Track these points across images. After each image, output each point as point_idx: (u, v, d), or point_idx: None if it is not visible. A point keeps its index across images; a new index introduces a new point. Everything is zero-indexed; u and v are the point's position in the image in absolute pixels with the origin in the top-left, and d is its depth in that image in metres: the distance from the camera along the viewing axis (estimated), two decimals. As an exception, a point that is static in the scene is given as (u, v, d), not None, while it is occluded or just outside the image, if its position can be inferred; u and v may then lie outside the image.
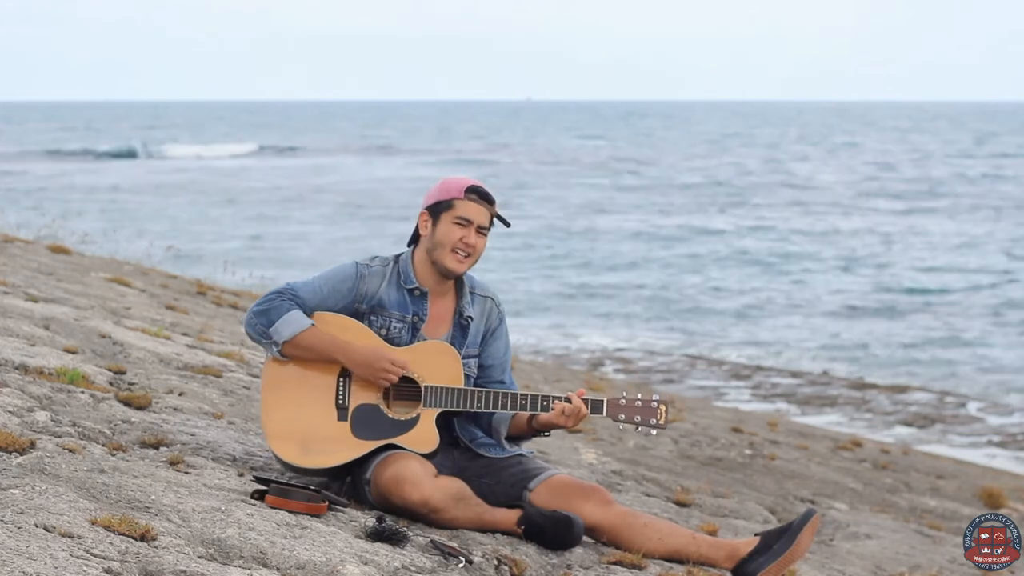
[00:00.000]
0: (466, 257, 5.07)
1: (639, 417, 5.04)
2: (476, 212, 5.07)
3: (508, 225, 5.19)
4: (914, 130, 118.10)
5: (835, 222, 40.51)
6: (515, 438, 5.22)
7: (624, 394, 5.09)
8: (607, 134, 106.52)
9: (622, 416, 5.04)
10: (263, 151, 77.94)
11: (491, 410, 5.03)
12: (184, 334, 8.46)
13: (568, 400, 4.99)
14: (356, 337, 5.04)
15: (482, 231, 5.09)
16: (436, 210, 5.09)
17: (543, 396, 5.01)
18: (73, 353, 6.67)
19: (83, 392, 5.73)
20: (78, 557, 3.72)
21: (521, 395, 5.02)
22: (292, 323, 4.98)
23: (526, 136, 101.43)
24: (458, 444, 5.17)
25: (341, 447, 4.99)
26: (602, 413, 5.03)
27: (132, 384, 6.32)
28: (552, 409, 5.00)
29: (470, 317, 5.16)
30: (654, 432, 5.09)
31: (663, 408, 5.07)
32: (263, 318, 5.01)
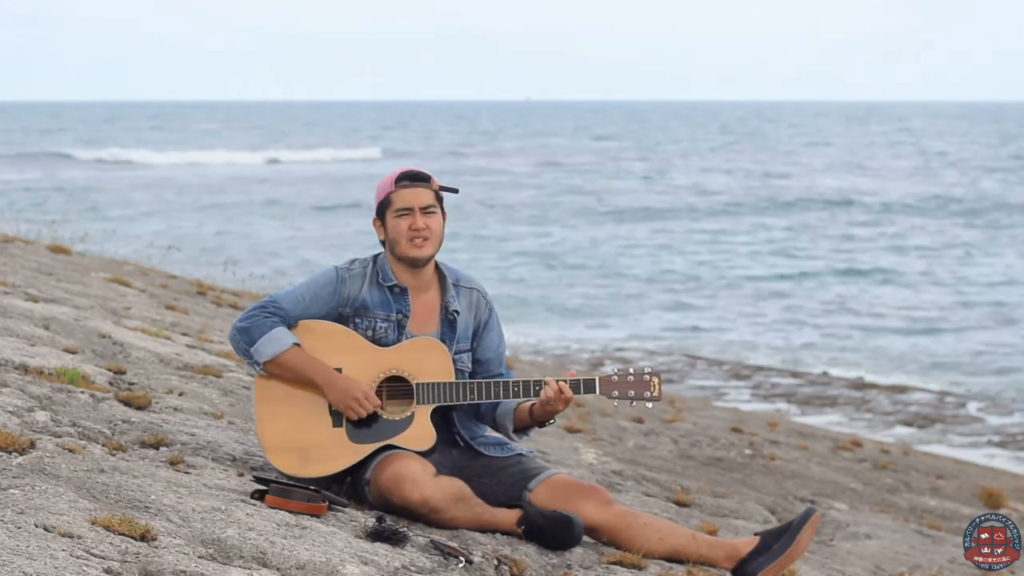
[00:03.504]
0: (424, 241, 5.04)
1: (633, 392, 5.03)
2: (412, 196, 5.04)
3: (456, 191, 5.15)
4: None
5: None
6: (521, 430, 5.20)
7: (616, 370, 5.08)
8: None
9: (615, 392, 5.03)
10: (387, 154, 76.45)
11: (484, 400, 5.01)
12: (184, 334, 8.46)
13: (564, 381, 4.97)
14: (343, 343, 5.02)
15: (428, 211, 5.04)
16: (381, 211, 5.10)
17: (535, 381, 5.00)
18: (73, 353, 6.66)
19: (83, 392, 5.73)
20: (78, 557, 3.72)
21: (513, 382, 5.01)
22: (274, 342, 4.95)
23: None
24: (457, 443, 5.16)
25: (339, 453, 4.99)
26: (595, 392, 5.02)
27: (132, 384, 6.32)
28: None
29: (456, 311, 5.14)
30: (649, 405, 5.07)
31: (656, 380, 5.05)
32: (245, 336, 4.99)
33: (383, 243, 5.16)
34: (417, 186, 5.04)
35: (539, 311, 24.79)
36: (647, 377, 5.04)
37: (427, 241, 5.04)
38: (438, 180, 5.12)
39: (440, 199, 5.10)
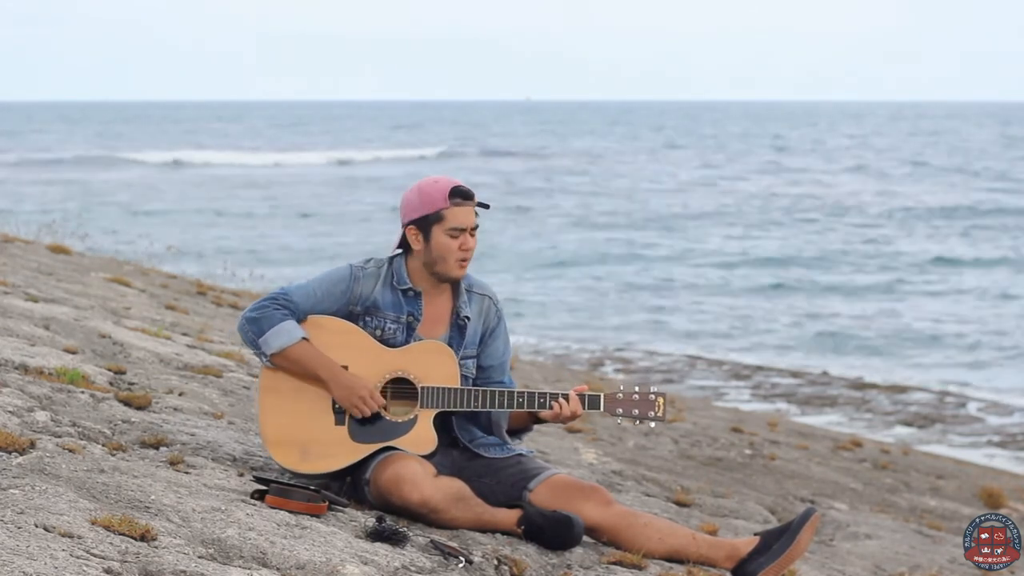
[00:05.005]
0: (466, 262, 5.04)
1: (637, 411, 5.03)
2: (465, 216, 5.01)
3: (487, 207, 5.13)
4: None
5: None
6: (516, 431, 5.21)
7: (621, 388, 5.07)
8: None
9: (620, 410, 5.03)
10: (442, 155, 75.77)
11: (488, 409, 5.02)
12: (184, 334, 8.46)
13: (566, 398, 4.99)
14: (351, 341, 5.02)
15: (474, 231, 5.05)
16: (425, 224, 5.00)
17: (540, 394, 5.00)
18: (73, 353, 6.66)
19: (83, 392, 5.73)
20: (78, 557, 3.72)
21: (518, 393, 5.00)
22: (282, 335, 4.95)
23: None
24: (457, 444, 5.16)
25: (340, 451, 4.98)
26: (600, 408, 5.02)
27: (132, 384, 6.32)
28: (551, 408, 4.99)
29: (467, 317, 5.13)
30: (653, 425, 5.08)
31: (661, 400, 5.05)
32: (254, 326, 4.98)
33: (407, 249, 5.08)
34: (468, 205, 5.01)
35: (542, 312, 24.81)
36: (652, 397, 5.04)
37: (468, 262, 5.04)
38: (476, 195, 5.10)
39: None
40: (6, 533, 3.74)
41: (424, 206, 5.00)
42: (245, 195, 48.46)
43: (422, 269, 5.07)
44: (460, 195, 5.00)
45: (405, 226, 5.06)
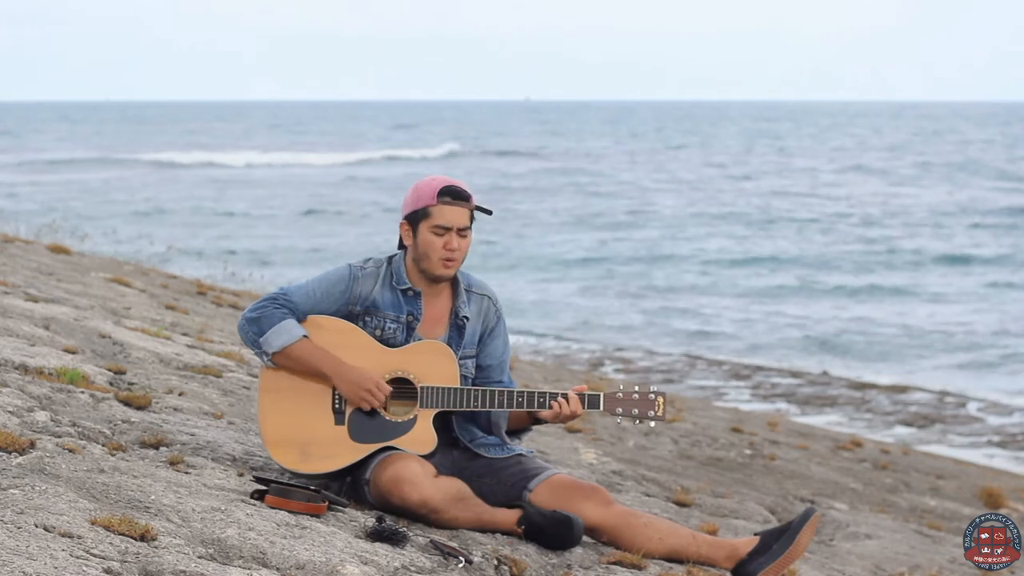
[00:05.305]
0: (453, 262, 5.04)
1: (637, 410, 5.03)
2: (452, 216, 5.01)
3: (490, 213, 5.15)
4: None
5: None
6: (516, 432, 5.21)
7: (621, 387, 5.07)
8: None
9: (619, 410, 5.03)
10: (452, 155, 75.67)
11: (488, 409, 5.02)
12: (184, 334, 8.46)
13: (565, 398, 4.98)
14: (350, 340, 5.02)
15: (463, 232, 5.04)
16: (414, 219, 5.03)
17: (539, 393, 5.01)
18: (73, 353, 6.67)
19: (83, 392, 5.73)
20: (78, 557, 3.72)
21: (518, 393, 5.00)
22: (283, 334, 4.95)
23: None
24: (458, 444, 5.16)
25: (339, 451, 4.99)
26: (600, 408, 5.02)
27: (132, 384, 6.32)
28: (550, 407, 4.99)
29: (466, 317, 5.13)
30: (652, 424, 5.09)
31: (661, 400, 5.05)
32: (254, 326, 4.99)
33: (403, 246, 5.12)
34: (458, 205, 5.00)
35: (542, 312, 24.82)
36: (652, 396, 5.04)
37: (454, 262, 5.04)
38: (475, 199, 5.09)
39: (473, 219, 5.09)
40: (6, 533, 3.74)
41: (415, 202, 5.04)
42: (245, 195, 48.50)
43: (414, 267, 5.08)
44: (450, 194, 5.01)
45: (400, 222, 5.10)
